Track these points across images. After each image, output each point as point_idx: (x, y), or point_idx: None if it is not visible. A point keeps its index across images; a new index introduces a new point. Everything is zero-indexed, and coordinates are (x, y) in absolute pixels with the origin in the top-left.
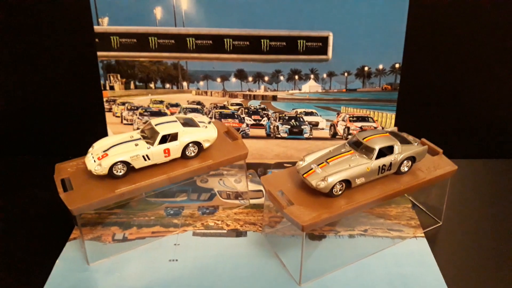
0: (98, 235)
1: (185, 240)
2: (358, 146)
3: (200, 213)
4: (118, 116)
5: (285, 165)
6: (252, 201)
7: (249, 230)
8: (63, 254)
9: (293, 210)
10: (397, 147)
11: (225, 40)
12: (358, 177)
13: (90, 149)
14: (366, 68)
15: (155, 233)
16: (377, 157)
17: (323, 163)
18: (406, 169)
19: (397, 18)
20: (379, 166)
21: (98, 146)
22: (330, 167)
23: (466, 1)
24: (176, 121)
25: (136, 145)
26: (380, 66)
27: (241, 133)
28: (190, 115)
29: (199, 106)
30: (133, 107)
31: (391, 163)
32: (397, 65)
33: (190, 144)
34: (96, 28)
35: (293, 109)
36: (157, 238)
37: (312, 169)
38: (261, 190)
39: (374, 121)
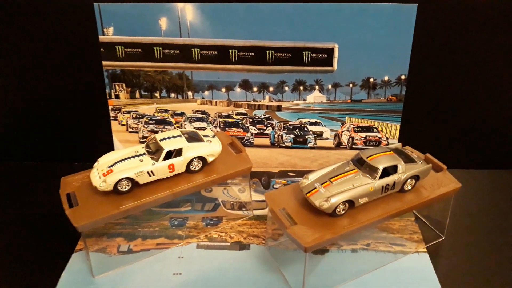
0: (104, 247)
1: (189, 253)
2: (362, 164)
3: (204, 224)
4: (124, 124)
5: (289, 173)
6: (256, 212)
7: (252, 243)
8: (69, 266)
9: (296, 230)
10: (401, 166)
11: (230, 51)
12: (361, 197)
13: (96, 164)
14: (371, 80)
15: (159, 245)
16: (381, 177)
17: (326, 182)
18: (409, 187)
19: (404, 30)
20: (382, 186)
21: (103, 161)
22: (333, 187)
23: (474, 12)
24: (180, 136)
25: (141, 161)
26: (386, 78)
27: (246, 142)
28: (194, 129)
29: (204, 115)
30: (138, 116)
31: (394, 182)
32: (402, 77)
33: (195, 159)
34: (102, 38)
35: (297, 119)
36: (162, 250)
37: (315, 188)
38: (265, 201)
39: (378, 132)
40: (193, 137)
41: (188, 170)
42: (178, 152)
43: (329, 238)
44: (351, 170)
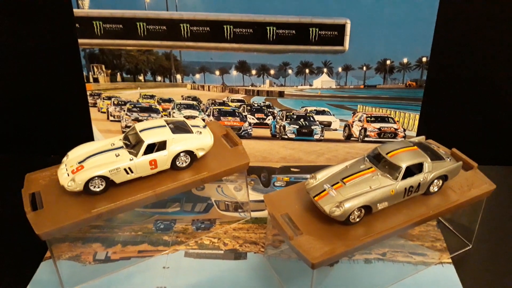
0: (78, 254)
1: (175, 262)
2: (380, 161)
3: (194, 228)
4: (104, 112)
5: (292, 169)
6: (254, 214)
7: (250, 251)
8: (36, 276)
9: (302, 241)
10: (427, 164)
11: (225, 27)
12: (380, 202)
13: (64, 159)
14: (388, 62)
15: (142, 252)
16: (404, 177)
17: (338, 183)
18: (436, 189)
19: (427, 5)
20: (405, 188)
21: (73, 155)
22: (346, 189)
23: None
24: (165, 126)
25: (117, 155)
26: (405, 60)
27: (243, 133)
28: (182, 118)
29: (195, 102)
30: (120, 102)
31: (419, 183)
32: (424, 59)
33: (182, 154)
34: (76, 11)
35: (302, 107)
36: (144, 258)
37: (325, 190)
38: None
39: (394, 122)
40: (179, 128)
41: (173, 166)
42: (161, 146)
43: (341, 252)
44: (368, 168)
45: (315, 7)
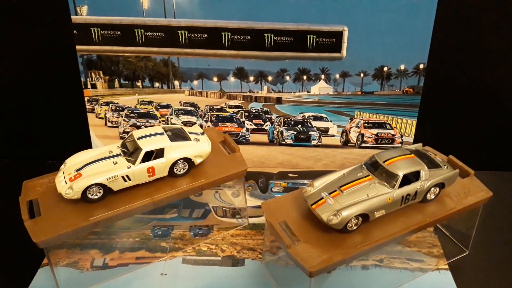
0: (75, 260)
1: (173, 269)
2: (377, 169)
3: (192, 235)
4: (102, 118)
5: (289, 175)
6: (252, 220)
7: (247, 258)
8: (33, 283)
9: (299, 250)
10: (424, 172)
11: (223, 33)
12: (377, 210)
13: (62, 166)
14: (385, 69)
15: (139, 259)
16: (401, 185)
17: (335, 191)
18: (433, 196)
19: (424, 12)
20: (402, 196)
21: (71, 163)
22: (344, 197)
23: None
24: (163, 133)
25: (115, 163)
26: (402, 67)
27: (241, 138)
28: (179, 126)
29: (193, 108)
30: (118, 108)
31: (416, 191)
32: (421, 66)
33: (179, 161)
34: (75, 18)
35: (300, 113)
36: (142, 265)
37: (322, 198)
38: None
39: (392, 128)
40: (177, 135)
41: (171, 173)
42: (159, 153)
43: (339, 260)
44: (365, 176)
45: (313, 14)
